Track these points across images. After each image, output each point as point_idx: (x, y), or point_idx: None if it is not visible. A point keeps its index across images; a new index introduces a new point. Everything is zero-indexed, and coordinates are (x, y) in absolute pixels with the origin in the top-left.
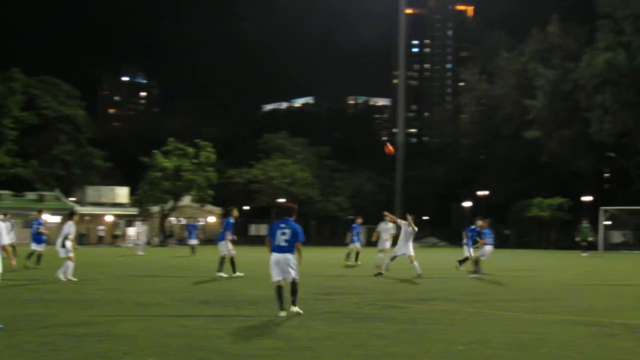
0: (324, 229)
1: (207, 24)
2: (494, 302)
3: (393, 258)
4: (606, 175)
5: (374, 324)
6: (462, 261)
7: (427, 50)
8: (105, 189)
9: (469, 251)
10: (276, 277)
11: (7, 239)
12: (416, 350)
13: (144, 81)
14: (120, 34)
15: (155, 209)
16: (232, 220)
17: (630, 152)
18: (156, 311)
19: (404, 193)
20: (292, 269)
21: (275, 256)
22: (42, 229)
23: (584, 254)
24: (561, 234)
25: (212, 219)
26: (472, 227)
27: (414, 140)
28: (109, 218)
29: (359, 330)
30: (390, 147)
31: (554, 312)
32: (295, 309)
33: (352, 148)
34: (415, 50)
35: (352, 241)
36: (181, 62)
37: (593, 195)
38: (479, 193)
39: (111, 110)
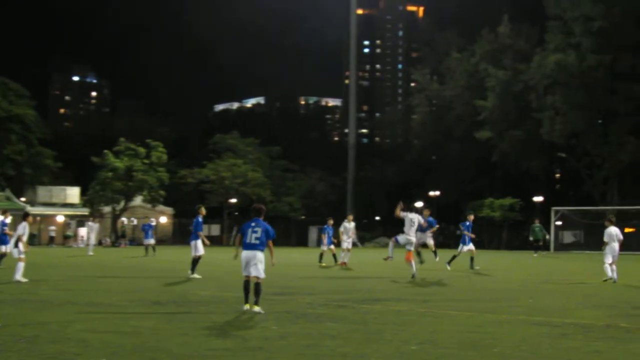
0: (276, 229)
1: (157, 23)
2: (446, 302)
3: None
4: (557, 175)
5: (327, 324)
6: (451, 260)
7: (378, 50)
8: (56, 189)
9: (461, 248)
10: (245, 272)
11: None
12: (368, 350)
13: (94, 81)
14: (70, 33)
15: (106, 209)
16: (200, 219)
17: (580, 153)
18: (108, 311)
19: (356, 193)
20: (259, 268)
21: (245, 253)
22: (7, 230)
23: (535, 254)
24: (513, 234)
25: (163, 220)
26: (467, 222)
27: (365, 140)
28: (60, 218)
29: (311, 331)
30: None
31: (506, 312)
32: (257, 308)
33: (303, 148)
34: (366, 50)
35: (327, 243)
36: (132, 62)
37: (544, 196)
38: (431, 193)
39: (62, 110)
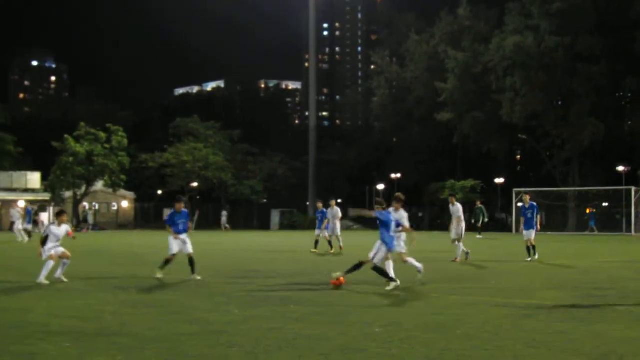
0: (237, 213)
1: (116, 7)
2: (410, 285)
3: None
4: (518, 157)
5: (290, 307)
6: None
7: (337, 33)
8: (17, 175)
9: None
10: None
11: None
12: (332, 333)
13: (53, 66)
14: (28, 17)
15: (68, 194)
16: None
17: (540, 134)
18: (71, 297)
19: (318, 176)
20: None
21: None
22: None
23: (479, 236)
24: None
25: (125, 204)
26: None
27: (326, 123)
28: (22, 204)
29: (274, 314)
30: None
31: (469, 293)
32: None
33: (264, 131)
34: (325, 33)
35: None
36: (90, 46)
37: (505, 177)
38: (392, 175)
39: (21, 96)
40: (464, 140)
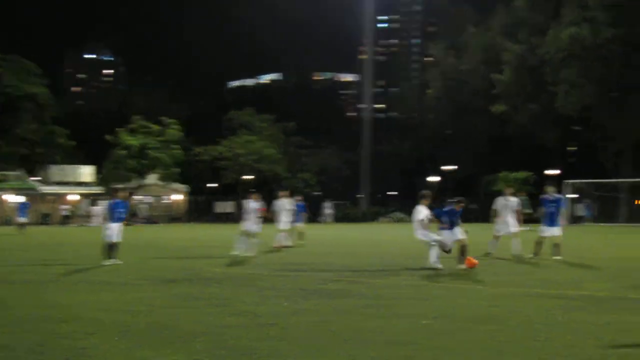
0: None
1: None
2: (460, 276)
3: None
4: (572, 149)
5: (339, 300)
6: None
7: (394, 25)
8: (69, 168)
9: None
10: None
11: None
12: (381, 325)
13: (109, 58)
14: (82, 10)
15: (120, 187)
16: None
17: (594, 126)
18: (121, 290)
19: (371, 169)
20: None
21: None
22: None
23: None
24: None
25: (178, 197)
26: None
27: (381, 115)
28: (74, 197)
29: (323, 307)
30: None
31: (520, 285)
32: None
33: (318, 124)
34: (382, 25)
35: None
36: (146, 38)
37: (559, 169)
38: (446, 168)
39: (75, 89)
40: (518, 132)
